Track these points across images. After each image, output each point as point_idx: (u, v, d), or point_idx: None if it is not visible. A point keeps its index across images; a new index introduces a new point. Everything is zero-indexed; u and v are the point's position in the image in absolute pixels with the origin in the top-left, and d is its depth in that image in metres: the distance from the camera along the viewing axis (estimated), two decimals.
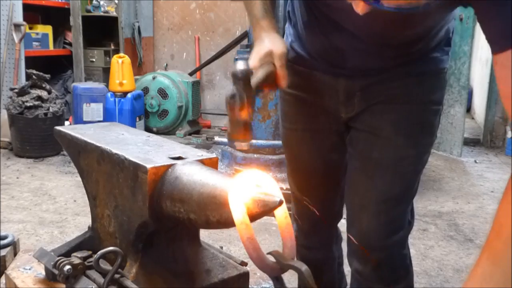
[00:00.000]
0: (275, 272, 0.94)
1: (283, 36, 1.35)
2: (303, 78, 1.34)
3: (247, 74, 1.08)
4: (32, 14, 5.26)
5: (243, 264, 1.22)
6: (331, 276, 1.64)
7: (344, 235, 1.45)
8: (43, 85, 4.40)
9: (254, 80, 1.09)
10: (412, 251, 2.78)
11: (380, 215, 1.30)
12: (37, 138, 4.28)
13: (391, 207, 1.30)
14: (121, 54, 5.02)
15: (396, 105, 1.26)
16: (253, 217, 0.88)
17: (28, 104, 4.23)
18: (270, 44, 1.15)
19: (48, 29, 5.36)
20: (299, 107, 1.38)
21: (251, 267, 1.23)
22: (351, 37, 1.18)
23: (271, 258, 0.93)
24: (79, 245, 1.25)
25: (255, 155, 3.37)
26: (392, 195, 1.30)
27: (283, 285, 0.94)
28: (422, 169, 1.36)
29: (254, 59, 1.14)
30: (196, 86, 5.48)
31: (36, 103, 4.26)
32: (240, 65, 1.09)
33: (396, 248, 1.36)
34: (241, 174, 0.90)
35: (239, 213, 0.86)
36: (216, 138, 3.68)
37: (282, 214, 0.93)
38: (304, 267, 0.90)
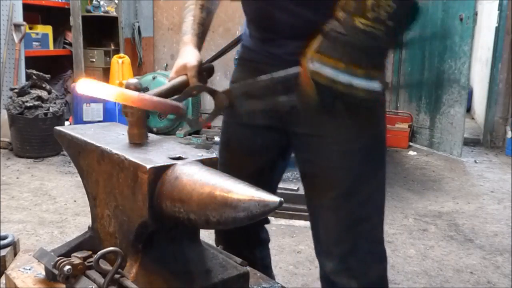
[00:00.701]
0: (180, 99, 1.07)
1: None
2: (247, 73, 1.40)
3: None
4: (32, 14, 5.26)
5: (243, 264, 1.22)
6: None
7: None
8: (43, 85, 4.40)
9: (156, 90, 1.21)
10: (412, 251, 2.81)
11: (338, 210, 1.29)
12: (37, 138, 4.29)
13: (348, 200, 1.29)
14: (121, 54, 5.03)
15: None
16: (253, 218, 0.88)
17: (28, 104, 4.23)
18: (184, 58, 1.28)
19: (48, 29, 5.36)
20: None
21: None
22: None
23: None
24: (79, 245, 1.25)
25: None
26: (347, 189, 1.29)
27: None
28: (378, 159, 1.33)
29: (172, 72, 1.28)
30: None
31: (36, 103, 4.26)
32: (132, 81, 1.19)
33: (362, 240, 1.32)
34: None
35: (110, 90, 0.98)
36: (216, 138, 3.68)
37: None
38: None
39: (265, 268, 1.63)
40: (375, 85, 0.81)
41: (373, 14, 0.84)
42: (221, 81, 6.19)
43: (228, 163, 1.45)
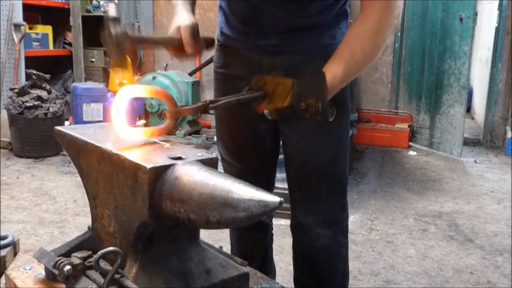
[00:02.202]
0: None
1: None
2: (233, 58, 1.54)
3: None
4: (32, 14, 5.25)
5: (243, 264, 1.22)
6: (264, 250, 1.84)
7: None
8: (43, 85, 4.39)
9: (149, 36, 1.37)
10: (412, 251, 2.81)
11: (320, 177, 1.52)
12: (37, 138, 4.28)
13: (329, 169, 1.52)
14: None
15: None
16: (253, 218, 0.88)
17: (28, 104, 4.22)
18: (178, 21, 1.37)
19: (48, 29, 5.35)
20: (230, 84, 1.56)
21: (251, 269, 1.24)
22: None
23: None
24: (79, 245, 1.25)
25: None
26: (329, 160, 1.51)
27: None
28: (343, 139, 1.55)
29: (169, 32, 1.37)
30: (196, 86, 5.48)
31: (36, 103, 4.26)
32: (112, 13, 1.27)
33: (334, 198, 1.56)
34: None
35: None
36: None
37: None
38: None
39: (268, 249, 1.88)
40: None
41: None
42: None
43: (228, 138, 1.63)
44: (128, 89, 1.17)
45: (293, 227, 1.63)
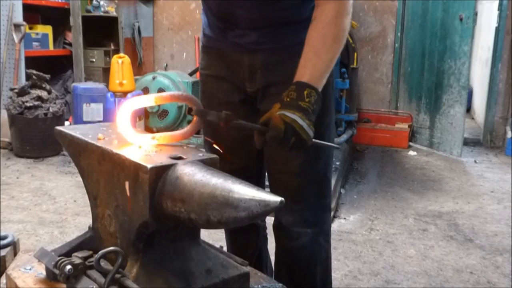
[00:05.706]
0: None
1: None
2: (215, 59, 1.57)
3: None
4: (32, 14, 5.25)
5: (244, 264, 1.22)
6: (258, 248, 1.81)
7: None
8: (43, 85, 4.39)
9: None
10: (412, 251, 2.81)
11: (301, 174, 1.51)
12: (37, 138, 4.28)
13: (310, 166, 1.52)
14: (121, 54, 5.01)
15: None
16: (254, 217, 0.88)
17: (28, 104, 4.23)
18: None
19: (48, 29, 5.35)
20: (214, 85, 1.60)
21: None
22: None
23: None
24: (80, 245, 1.25)
25: None
26: (311, 157, 1.50)
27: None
28: (325, 137, 1.51)
29: None
30: (196, 86, 5.48)
31: (36, 103, 4.26)
32: None
33: (315, 196, 1.55)
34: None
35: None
36: None
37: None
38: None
39: (264, 238, 1.86)
40: (311, 131, 1.29)
41: (307, 99, 1.29)
42: None
43: (215, 139, 1.59)
44: (133, 101, 1.18)
45: (275, 228, 1.63)
